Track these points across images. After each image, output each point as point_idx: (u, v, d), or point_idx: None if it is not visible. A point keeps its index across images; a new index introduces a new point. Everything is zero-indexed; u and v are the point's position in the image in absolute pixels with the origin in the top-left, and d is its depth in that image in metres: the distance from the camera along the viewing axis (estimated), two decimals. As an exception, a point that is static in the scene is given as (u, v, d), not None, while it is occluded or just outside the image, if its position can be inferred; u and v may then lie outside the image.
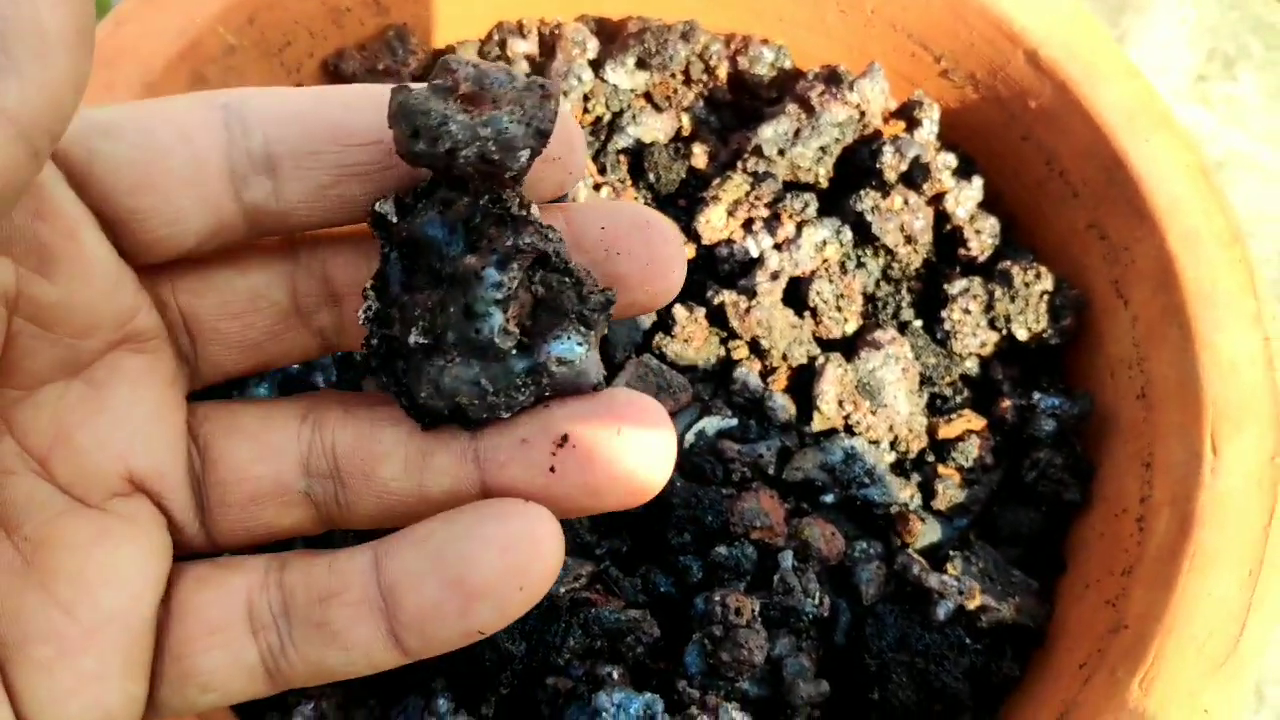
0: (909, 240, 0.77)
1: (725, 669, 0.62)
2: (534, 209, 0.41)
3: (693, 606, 0.64)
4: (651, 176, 0.81)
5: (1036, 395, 0.74)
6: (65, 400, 0.40)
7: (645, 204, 0.81)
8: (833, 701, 0.65)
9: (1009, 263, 0.77)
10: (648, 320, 0.75)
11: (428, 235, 0.39)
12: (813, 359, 0.74)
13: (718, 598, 0.63)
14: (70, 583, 0.39)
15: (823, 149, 0.79)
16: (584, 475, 0.41)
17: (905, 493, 0.72)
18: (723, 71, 0.85)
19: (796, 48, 0.85)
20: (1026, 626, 0.68)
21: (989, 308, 0.76)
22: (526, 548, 0.40)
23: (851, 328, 0.76)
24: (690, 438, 0.72)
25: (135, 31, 0.70)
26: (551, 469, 0.41)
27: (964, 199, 0.78)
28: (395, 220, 0.40)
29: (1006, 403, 0.74)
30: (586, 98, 0.82)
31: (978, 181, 0.79)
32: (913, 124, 0.81)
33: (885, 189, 0.78)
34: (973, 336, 0.76)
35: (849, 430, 0.73)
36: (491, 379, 0.40)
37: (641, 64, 0.82)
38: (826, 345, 0.76)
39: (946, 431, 0.74)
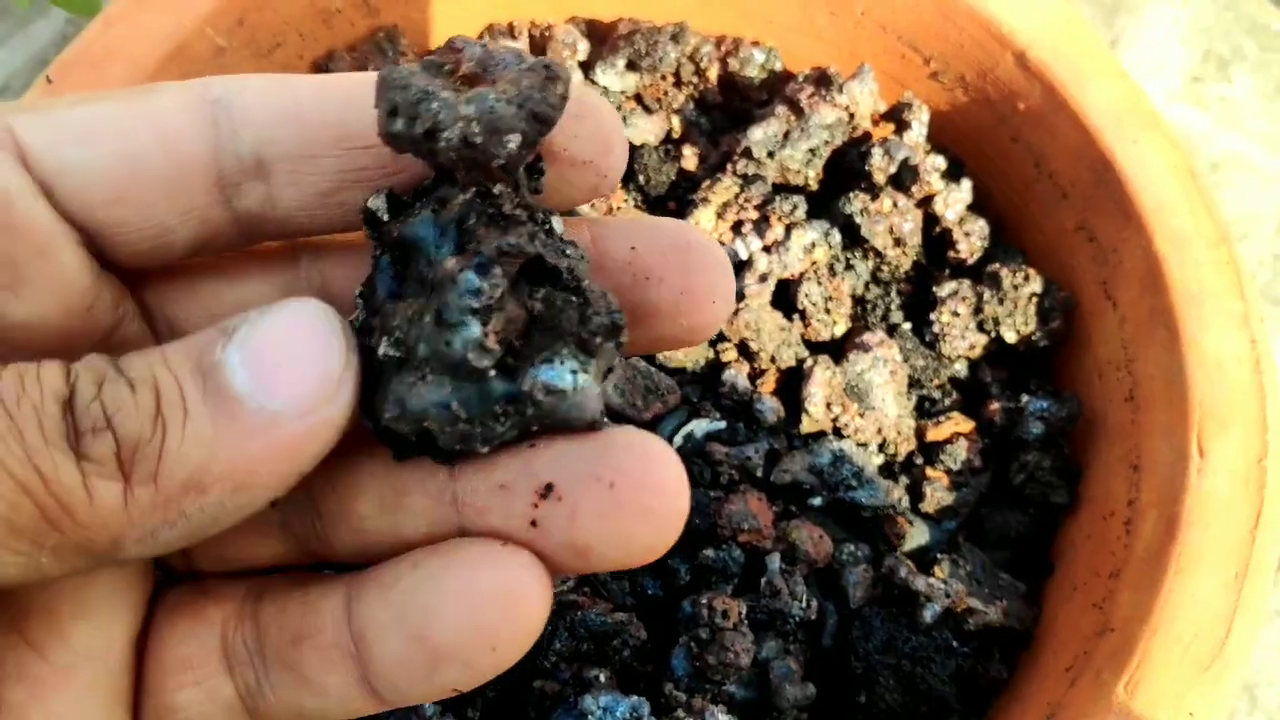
0: (898, 242, 0.77)
1: (712, 672, 0.62)
2: (551, 217, 0.36)
3: (680, 609, 0.64)
4: (641, 178, 0.81)
5: (1025, 398, 0.74)
6: None
7: (634, 206, 0.81)
8: (820, 704, 0.65)
9: (997, 265, 0.77)
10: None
11: (419, 236, 0.35)
12: (801, 361, 0.74)
13: (705, 600, 0.63)
14: (41, 621, 0.36)
15: (812, 151, 0.79)
16: (569, 534, 0.34)
17: (893, 495, 0.72)
18: (713, 73, 0.85)
19: (787, 49, 0.86)
20: (1014, 629, 0.67)
21: (978, 310, 0.76)
22: (499, 603, 0.34)
23: (840, 330, 0.76)
24: (678, 440, 0.72)
25: (124, 33, 0.70)
26: (533, 522, 0.35)
27: (953, 201, 0.78)
28: (387, 219, 0.36)
29: (995, 405, 0.74)
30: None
31: (966, 184, 0.79)
32: (902, 126, 0.81)
33: (874, 191, 0.78)
34: (961, 339, 0.76)
35: (837, 433, 0.73)
36: (464, 402, 0.33)
37: (632, 66, 0.82)
38: (815, 348, 0.76)
39: (935, 434, 0.74)
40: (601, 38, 0.85)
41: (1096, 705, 0.59)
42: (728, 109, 0.86)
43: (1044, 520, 0.73)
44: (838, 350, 0.76)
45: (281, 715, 0.39)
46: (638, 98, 0.84)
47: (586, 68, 0.84)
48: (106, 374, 0.30)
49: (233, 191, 0.37)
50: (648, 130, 0.83)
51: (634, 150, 0.82)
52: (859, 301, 0.78)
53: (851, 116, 0.80)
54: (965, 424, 0.75)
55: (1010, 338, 0.76)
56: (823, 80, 0.80)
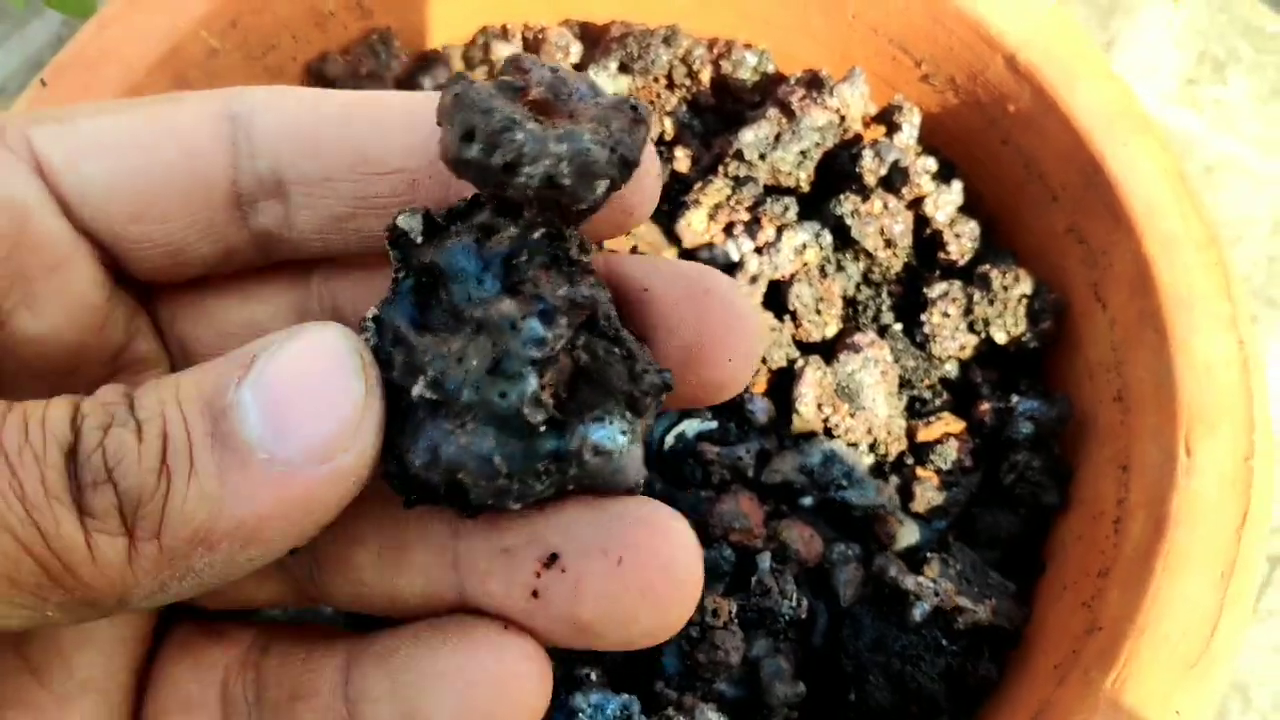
0: (889, 244, 0.78)
1: (702, 670, 0.62)
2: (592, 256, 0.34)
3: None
4: (634, 180, 0.81)
5: (1015, 398, 0.74)
6: None
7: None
8: (810, 703, 0.65)
9: (988, 266, 0.77)
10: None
11: (456, 266, 0.32)
12: (792, 362, 0.74)
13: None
14: (45, 649, 0.36)
15: (803, 153, 0.79)
16: (570, 608, 0.32)
17: (884, 495, 0.72)
18: (705, 75, 0.85)
19: (780, 51, 0.86)
20: (1003, 628, 0.68)
21: (968, 311, 0.76)
22: (495, 690, 0.33)
23: (831, 331, 0.76)
24: (670, 440, 0.72)
25: (118, 35, 0.70)
26: (534, 593, 0.33)
27: (943, 203, 0.79)
28: (420, 241, 0.33)
29: (985, 405, 0.75)
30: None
31: (957, 185, 0.79)
32: (893, 128, 0.81)
33: (865, 193, 0.78)
34: (952, 340, 0.76)
35: (828, 433, 0.73)
36: (508, 458, 0.31)
37: (624, 68, 0.82)
38: (806, 348, 0.76)
39: (925, 434, 0.74)
40: (594, 40, 0.86)
41: (1084, 704, 0.59)
42: (720, 111, 0.86)
43: (1034, 520, 0.73)
44: (829, 351, 0.76)
45: None
46: (631, 100, 0.84)
47: (579, 70, 0.84)
48: (115, 415, 0.29)
49: (250, 210, 0.36)
50: (641, 132, 0.83)
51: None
52: (850, 302, 0.78)
53: (842, 119, 0.80)
54: (956, 424, 0.75)
55: (1000, 339, 0.76)
56: (814, 83, 0.80)
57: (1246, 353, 0.65)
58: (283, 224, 0.37)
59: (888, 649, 0.66)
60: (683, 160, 0.82)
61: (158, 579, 0.29)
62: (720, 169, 0.79)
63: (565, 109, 0.32)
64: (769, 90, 0.84)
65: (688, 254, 0.77)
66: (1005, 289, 0.76)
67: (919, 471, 0.73)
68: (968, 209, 0.80)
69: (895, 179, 0.78)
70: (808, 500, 0.71)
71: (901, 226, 0.78)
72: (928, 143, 0.82)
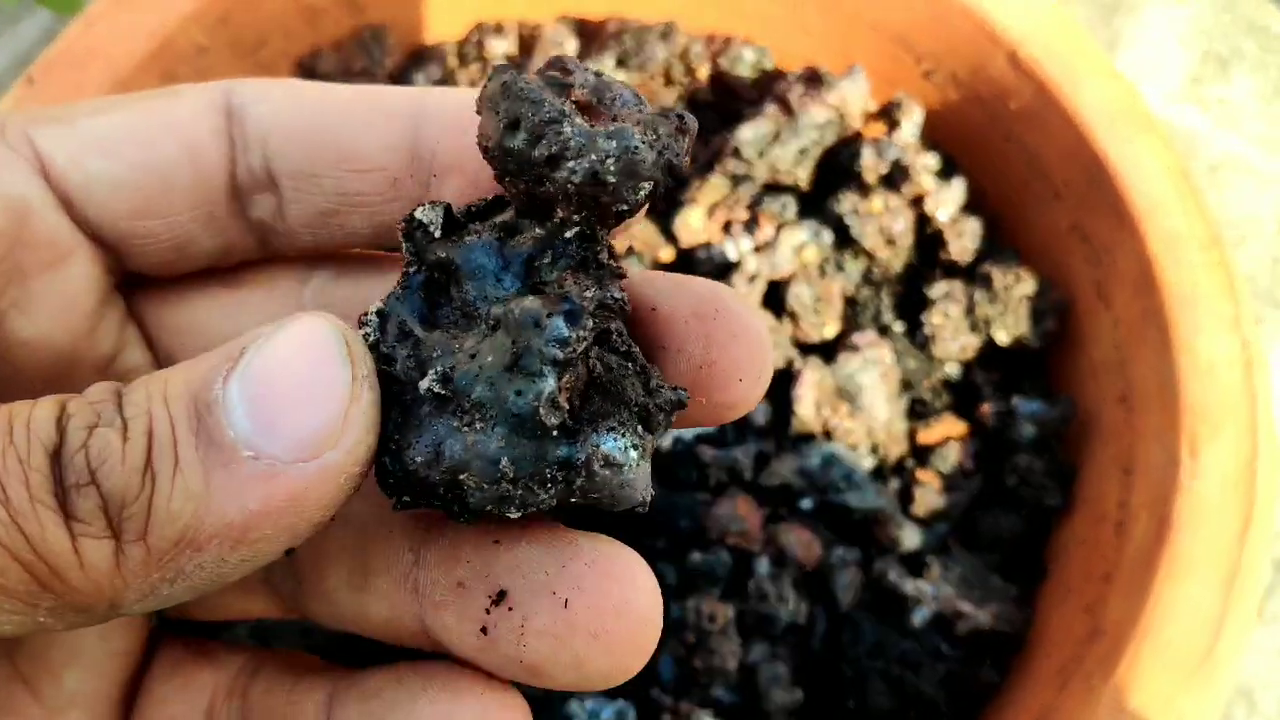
0: (889, 243, 0.77)
1: (699, 676, 0.62)
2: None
3: (667, 613, 0.64)
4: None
5: (1016, 400, 0.73)
6: None
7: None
8: (809, 709, 0.64)
9: (990, 265, 0.76)
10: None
11: (474, 263, 0.32)
12: (791, 363, 0.73)
13: (692, 604, 0.63)
14: (35, 659, 0.36)
15: (802, 151, 0.78)
16: (516, 648, 0.32)
17: (884, 498, 0.71)
18: (704, 72, 0.84)
19: (779, 48, 0.85)
20: (1005, 633, 0.67)
21: (970, 311, 0.75)
22: None
23: (831, 331, 0.75)
24: (667, 442, 0.71)
25: (106, 31, 0.70)
26: (483, 629, 0.32)
27: (944, 201, 0.78)
28: (439, 235, 0.32)
29: (987, 407, 0.74)
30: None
31: (958, 183, 0.78)
32: (893, 125, 0.81)
33: (865, 191, 0.77)
34: (953, 340, 0.75)
35: (827, 435, 0.72)
36: (516, 461, 0.29)
37: (621, 64, 0.82)
38: (806, 349, 0.75)
39: (926, 436, 0.73)
40: (591, 36, 0.85)
41: (1087, 709, 0.58)
42: (718, 108, 0.86)
43: (1036, 523, 0.72)
44: (829, 352, 0.75)
45: None
46: (628, 97, 0.84)
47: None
48: (101, 414, 0.28)
49: (247, 202, 0.37)
50: (637, 130, 0.82)
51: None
52: (850, 302, 0.77)
53: (842, 116, 0.79)
54: (957, 426, 0.74)
55: (1002, 339, 0.75)
56: (813, 79, 0.80)
57: (1250, 353, 0.64)
58: (275, 216, 0.37)
59: (887, 654, 0.65)
60: (680, 158, 0.81)
61: (147, 582, 0.28)
62: (718, 166, 0.78)
63: (609, 113, 0.31)
64: (768, 87, 0.84)
65: (685, 253, 0.77)
66: (1007, 288, 0.75)
67: (920, 474, 0.72)
68: (970, 207, 0.79)
69: (896, 177, 0.77)
70: (807, 503, 0.70)
71: (902, 225, 0.77)
72: (930, 140, 0.82)
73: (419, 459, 0.30)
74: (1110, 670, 0.59)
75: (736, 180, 0.77)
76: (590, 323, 0.30)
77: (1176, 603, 0.59)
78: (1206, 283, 0.67)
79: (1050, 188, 0.77)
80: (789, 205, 0.77)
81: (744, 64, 0.84)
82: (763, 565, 0.66)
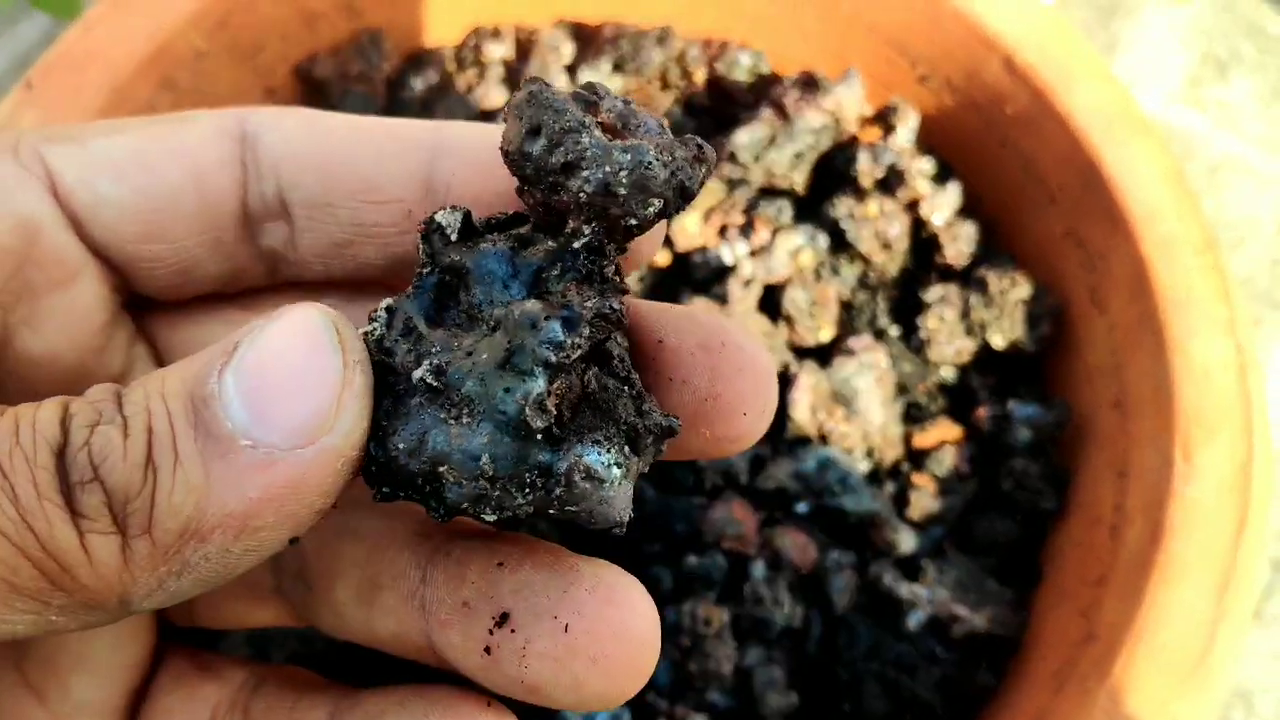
0: (885, 247, 0.77)
1: (694, 680, 0.62)
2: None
3: (663, 617, 0.64)
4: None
5: (1011, 404, 0.73)
6: None
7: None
8: (804, 713, 0.64)
9: (985, 270, 0.76)
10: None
11: (484, 268, 0.32)
12: (786, 366, 0.73)
13: (687, 608, 0.63)
14: (43, 667, 0.36)
15: (798, 155, 0.78)
16: (518, 669, 0.32)
17: (879, 502, 0.71)
18: (700, 76, 0.84)
19: (776, 52, 0.85)
20: (1000, 636, 0.67)
21: (965, 315, 0.75)
22: None
23: (826, 335, 0.75)
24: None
25: (104, 36, 0.70)
26: (487, 649, 0.33)
27: (940, 205, 0.78)
28: (455, 239, 0.33)
29: (982, 411, 0.74)
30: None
31: (954, 188, 0.78)
32: (889, 130, 0.81)
33: (861, 195, 0.77)
34: (949, 344, 0.75)
35: (823, 439, 0.72)
36: (496, 459, 0.30)
37: (617, 68, 0.82)
38: (801, 353, 0.75)
39: (921, 440, 0.73)
40: (587, 40, 0.85)
41: (1081, 712, 0.58)
42: (714, 112, 0.86)
43: (1032, 527, 0.72)
44: (824, 356, 0.75)
45: None
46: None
47: (572, 71, 0.83)
48: (103, 412, 0.29)
49: (257, 230, 0.37)
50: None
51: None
52: (846, 306, 0.77)
53: (838, 120, 0.79)
54: (953, 430, 0.74)
55: (998, 343, 0.75)
56: (809, 84, 0.80)
57: (1245, 357, 0.64)
58: (287, 245, 0.37)
59: (883, 657, 0.65)
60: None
61: (154, 576, 0.29)
62: (714, 171, 0.78)
63: (632, 137, 0.32)
64: (764, 91, 0.84)
65: (680, 257, 0.77)
66: (1003, 293, 0.75)
67: (915, 478, 0.72)
68: (966, 211, 0.80)
69: (891, 181, 0.77)
70: (802, 507, 0.71)
71: (898, 229, 0.77)
72: (926, 144, 0.82)
73: (402, 445, 0.30)
74: (1105, 674, 0.59)
75: (732, 184, 0.78)
76: (587, 331, 0.30)
77: (1171, 606, 0.59)
78: (1201, 287, 0.67)
79: (1045, 192, 0.77)
80: (785, 209, 0.77)
81: (740, 68, 0.84)
82: (758, 569, 0.66)
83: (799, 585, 0.68)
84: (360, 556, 0.37)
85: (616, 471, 0.31)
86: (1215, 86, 1.17)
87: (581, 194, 0.30)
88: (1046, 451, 0.73)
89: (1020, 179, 0.79)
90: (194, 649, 0.41)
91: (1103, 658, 0.60)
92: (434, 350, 0.31)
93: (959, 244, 0.78)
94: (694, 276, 0.76)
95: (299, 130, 0.36)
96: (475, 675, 0.33)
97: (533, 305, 0.30)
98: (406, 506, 0.36)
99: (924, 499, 0.71)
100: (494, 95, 0.82)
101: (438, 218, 0.33)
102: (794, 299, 0.74)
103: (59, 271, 0.35)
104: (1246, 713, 0.89)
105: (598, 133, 0.31)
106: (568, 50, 0.83)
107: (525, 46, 0.84)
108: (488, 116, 0.81)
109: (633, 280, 0.73)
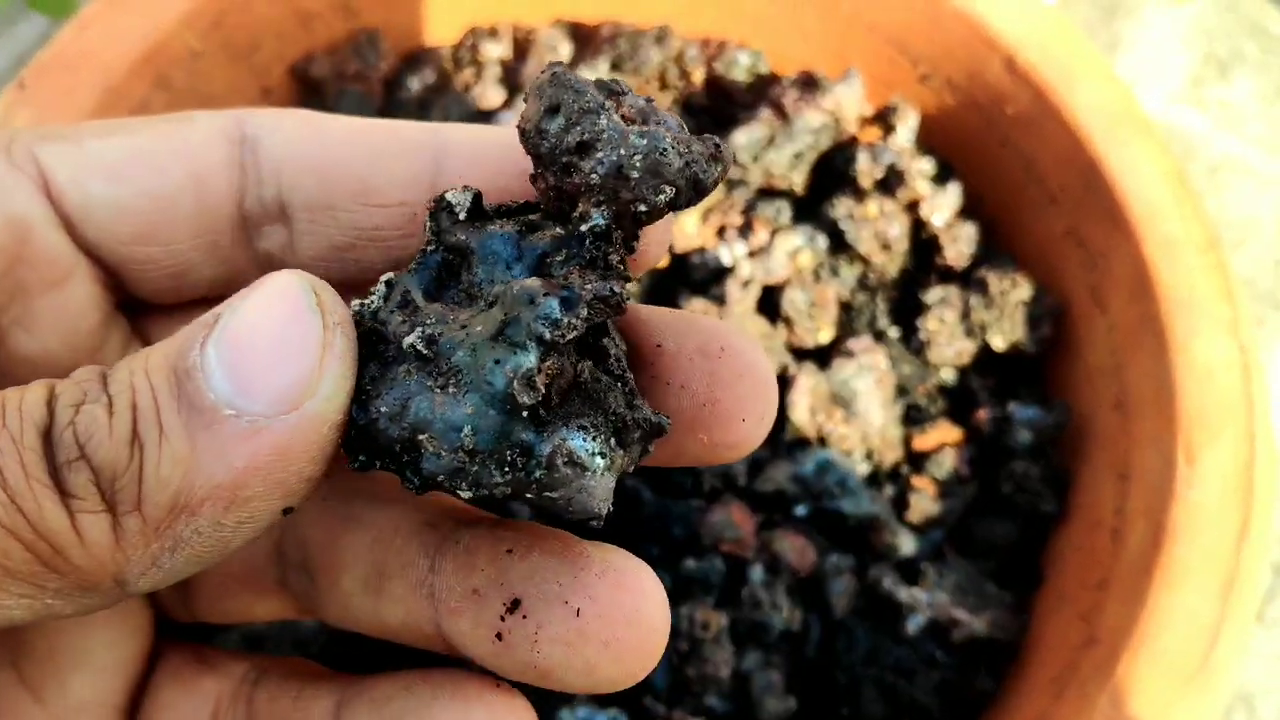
0: (885, 248, 0.76)
1: (692, 684, 0.62)
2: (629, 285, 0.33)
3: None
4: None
5: (1012, 406, 0.73)
6: None
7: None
8: (802, 717, 0.64)
9: (986, 271, 0.76)
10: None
11: (489, 248, 0.32)
12: (785, 368, 0.73)
13: (685, 612, 0.63)
14: (40, 664, 0.36)
15: (797, 155, 0.78)
16: (530, 654, 0.32)
17: (878, 505, 0.71)
18: (699, 76, 0.84)
19: (775, 52, 0.85)
20: (1000, 640, 0.67)
21: (965, 316, 0.75)
22: None
23: (826, 337, 0.75)
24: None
25: (99, 35, 0.69)
26: (498, 635, 0.33)
27: (940, 206, 0.77)
28: (463, 218, 0.33)
29: (983, 413, 0.73)
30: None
31: (954, 188, 0.78)
32: (889, 130, 0.80)
33: (860, 196, 0.77)
34: (949, 346, 0.75)
35: (822, 441, 0.72)
36: (478, 431, 0.29)
37: (615, 68, 0.81)
38: (800, 354, 0.75)
39: (921, 443, 0.73)
40: (585, 40, 0.85)
41: (1082, 717, 0.58)
42: (713, 112, 0.85)
43: (1032, 530, 0.72)
44: (823, 357, 0.75)
45: None
46: (623, 101, 0.84)
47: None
48: (88, 392, 0.29)
49: (255, 233, 0.37)
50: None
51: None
52: (845, 308, 0.77)
53: (837, 120, 0.79)
54: (953, 432, 0.74)
55: (998, 345, 0.75)
56: (808, 83, 0.79)
57: (1247, 358, 0.64)
58: (286, 248, 0.37)
59: (882, 662, 0.65)
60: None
61: (147, 553, 0.29)
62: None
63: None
64: (763, 91, 0.83)
65: (679, 258, 0.76)
66: (1003, 294, 0.74)
67: (915, 481, 0.72)
68: (966, 212, 0.79)
69: (891, 181, 0.77)
70: (801, 510, 0.70)
71: (897, 230, 0.76)
72: (926, 144, 0.81)
73: (384, 409, 0.30)
74: (1106, 678, 0.58)
75: (731, 185, 0.77)
76: (585, 312, 0.30)
77: (1173, 610, 0.59)
78: (1203, 287, 0.66)
79: (1046, 192, 0.77)
80: (784, 210, 0.76)
81: (739, 68, 0.84)
82: (756, 572, 0.66)
83: (797, 589, 0.67)
84: (366, 546, 0.37)
85: (600, 461, 0.30)
86: (1217, 86, 1.17)
87: (594, 175, 0.30)
88: (1047, 454, 0.72)
89: (1021, 179, 0.78)
90: (193, 644, 0.40)
91: (1104, 662, 0.59)
92: (429, 321, 0.31)
93: (959, 245, 0.78)
94: (692, 277, 0.75)
95: (300, 133, 0.36)
96: (486, 661, 0.34)
97: (533, 281, 0.30)
98: (414, 498, 0.35)
99: (924, 502, 0.71)
100: (491, 95, 0.82)
101: (448, 196, 0.33)
102: (793, 300, 0.74)
103: (51, 272, 0.35)
104: (1248, 715, 0.89)
105: (616, 117, 0.31)
106: (565, 50, 0.83)
107: (523, 46, 0.84)
108: (485, 116, 0.81)
109: (632, 284, 0.73)
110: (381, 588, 0.36)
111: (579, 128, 0.30)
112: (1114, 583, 0.63)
